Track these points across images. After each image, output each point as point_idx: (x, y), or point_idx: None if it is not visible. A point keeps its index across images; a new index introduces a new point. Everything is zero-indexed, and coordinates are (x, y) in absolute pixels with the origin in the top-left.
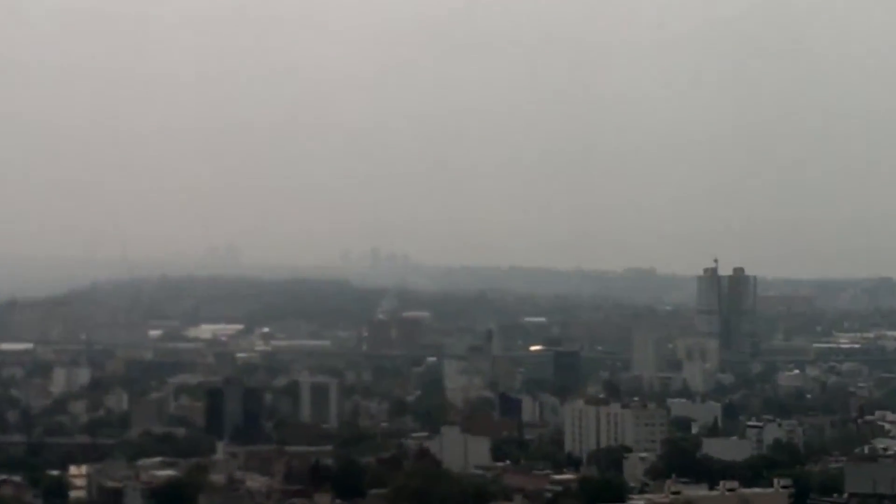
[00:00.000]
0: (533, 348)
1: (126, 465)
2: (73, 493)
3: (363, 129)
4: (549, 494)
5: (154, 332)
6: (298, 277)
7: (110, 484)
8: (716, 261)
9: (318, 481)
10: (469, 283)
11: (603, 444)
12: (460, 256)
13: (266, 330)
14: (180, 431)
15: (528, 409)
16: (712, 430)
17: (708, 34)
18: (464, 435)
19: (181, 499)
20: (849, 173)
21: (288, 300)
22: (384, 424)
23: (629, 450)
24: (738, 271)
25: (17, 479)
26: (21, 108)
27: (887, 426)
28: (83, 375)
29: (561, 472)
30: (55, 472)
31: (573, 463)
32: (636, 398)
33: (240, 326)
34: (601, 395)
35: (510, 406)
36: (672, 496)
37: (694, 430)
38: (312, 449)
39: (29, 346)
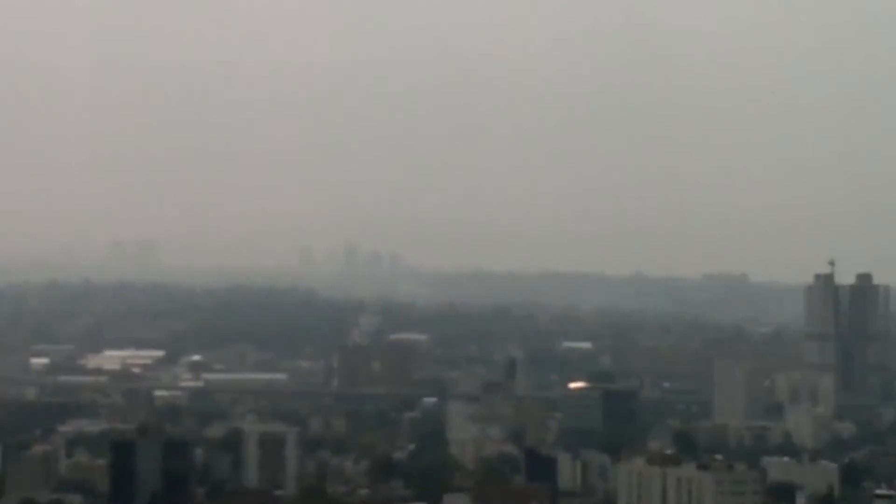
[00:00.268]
0: (573, 385)
1: None
2: None
3: (329, 79)
4: None
5: (38, 361)
6: (240, 285)
7: None
8: (832, 264)
9: None
10: (483, 294)
11: None
12: (470, 257)
13: (196, 358)
14: (74, 501)
15: (567, 472)
16: (825, 502)
17: None
18: None
19: None
20: None
21: (226, 317)
22: (363, 492)
23: None
24: (864, 279)
25: None
26: None
27: None
28: None
29: None
30: None
31: None
32: (719, 456)
33: (159, 353)
34: (669, 452)
35: (541, 467)
36: None
37: (800, 500)
38: None
39: None
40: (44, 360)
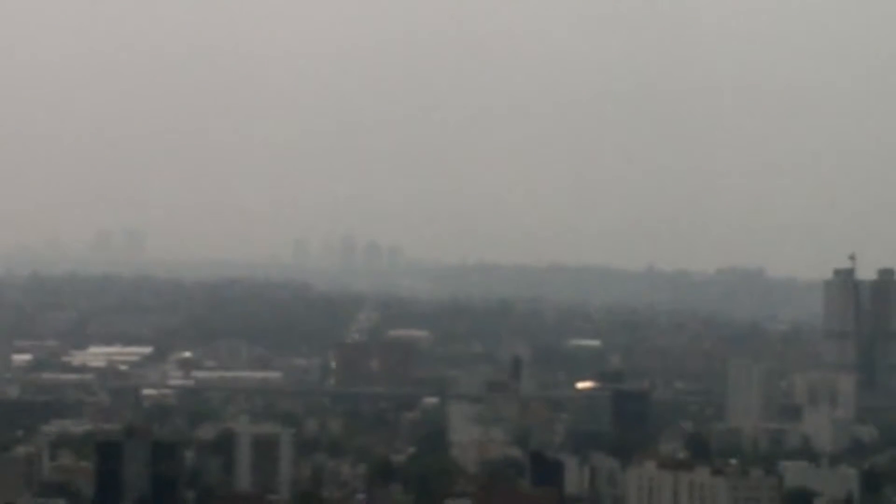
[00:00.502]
0: (581, 385)
1: None
2: None
3: (326, 67)
4: None
5: (20, 358)
6: (232, 278)
7: None
8: (852, 258)
9: None
10: (486, 289)
11: None
12: (474, 250)
13: (186, 355)
14: None
15: (574, 476)
16: None
17: None
18: None
19: None
20: None
21: (217, 312)
22: (360, 496)
23: None
24: (886, 274)
25: None
26: None
27: None
28: None
29: None
30: None
31: None
32: (733, 460)
33: (147, 349)
34: (681, 456)
35: (547, 471)
36: None
37: None
38: None
39: None
40: (26, 357)
